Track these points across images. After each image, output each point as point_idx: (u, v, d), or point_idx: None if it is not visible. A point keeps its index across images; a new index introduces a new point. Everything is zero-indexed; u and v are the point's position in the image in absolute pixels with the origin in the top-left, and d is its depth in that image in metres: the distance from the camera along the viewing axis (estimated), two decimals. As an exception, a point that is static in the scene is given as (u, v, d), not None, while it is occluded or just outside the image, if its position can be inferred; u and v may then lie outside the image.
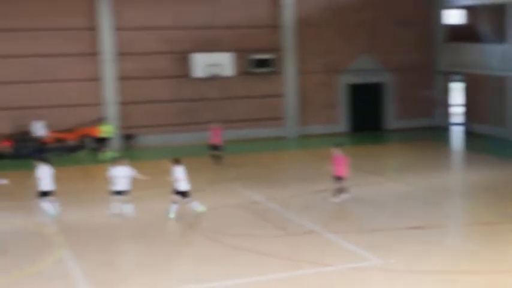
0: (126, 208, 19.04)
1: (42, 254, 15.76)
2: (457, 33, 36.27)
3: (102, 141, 29.73)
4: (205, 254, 15.54)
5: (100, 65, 32.21)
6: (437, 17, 36.94)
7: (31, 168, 19.09)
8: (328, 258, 14.87)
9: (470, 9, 35.87)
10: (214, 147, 27.16)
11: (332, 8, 35.67)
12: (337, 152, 20.17)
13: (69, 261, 15.09)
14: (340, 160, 20.02)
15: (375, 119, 36.91)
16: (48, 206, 19.17)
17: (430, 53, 37.32)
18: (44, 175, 19.17)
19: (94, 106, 31.99)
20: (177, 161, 19.04)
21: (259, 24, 34.75)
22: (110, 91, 32.35)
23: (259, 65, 34.48)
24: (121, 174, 18.99)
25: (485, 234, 16.63)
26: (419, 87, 37.10)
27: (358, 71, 36.18)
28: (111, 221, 18.57)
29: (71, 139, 31.43)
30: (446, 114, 37.33)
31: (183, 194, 18.85)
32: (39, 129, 30.26)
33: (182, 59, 33.40)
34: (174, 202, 18.81)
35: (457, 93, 37.09)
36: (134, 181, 19.26)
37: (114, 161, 19.48)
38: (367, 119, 36.60)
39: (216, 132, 27.22)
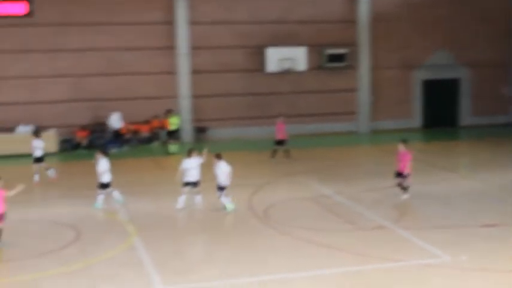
0: (197, 199, 19.27)
1: (114, 241, 16.11)
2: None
3: (170, 134, 30.13)
4: (274, 246, 15.59)
5: (175, 58, 32.67)
6: (517, 12, 36.10)
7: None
8: (397, 253, 14.72)
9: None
10: (279, 142, 27.05)
11: (407, 4, 35.25)
12: (401, 148, 19.87)
13: (140, 249, 15.38)
14: (404, 156, 19.73)
15: (450, 115, 36.34)
16: (101, 198, 19.43)
17: (509, 50, 36.43)
18: (104, 168, 19.41)
19: (168, 99, 32.49)
20: (218, 156, 18.93)
21: (334, 19, 34.61)
22: (184, 84, 32.78)
23: (333, 60, 34.36)
24: (193, 166, 19.10)
25: (561, 234, 16.18)
26: (495, 83, 36.30)
27: (433, 67, 35.65)
28: (181, 211, 18.79)
29: (145, 131, 32.04)
30: (523, 112, 36.49)
31: (221, 188, 18.82)
32: (116, 120, 30.89)
33: (256, 53, 33.57)
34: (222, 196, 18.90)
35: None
36: (202, 173, 19.36)
37: (188, 153, 19.42)
38: (441, 114, 36.06)
39: (280, 126, 27.08)
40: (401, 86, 35.76)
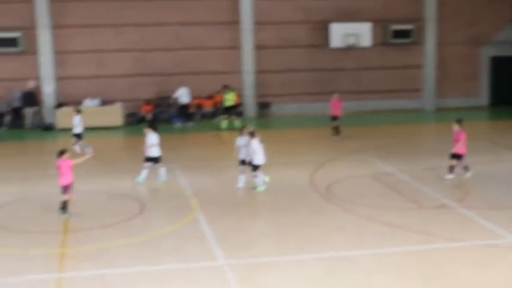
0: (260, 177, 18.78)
1: (177, 215, 16.33)
2: None
3: (226, 110, 30.21)
4: (336, 223, 15.56)
5: (239, 33, 32.72)
6: None
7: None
8: (461, 233, 14.53)
9: None
10: (334, 118, 26.81)
11: (476, -22, 34.47)
12: (456, 128, 19.44)
13: (203, 223, 15.56)
14: (459, 136, 19.31)
15: (518, 94, 35.48)
16: (145, 172, 19.45)
17: None
18: (152, 142, 19.40)
19: (232, 74, 32.61)
20: (252, 134, 18.43)
21: (401, -7, 34.12)
22: (247, 60, 32.83)
23: (398, 36, 33.93)
24: (245, 144, 18.65)
25: None
26: None
27: (502, 43, 34.78)
28: (242, 188, 18.86)
29: (209, 106, 32.27)
30: None
31: (257, 167, 18.42)
32: (184, 95, 31.11)
33: (320, 28, 33.35)
34: (255, 176, 18.54)
35: None
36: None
37: (241, 129, 19.14)
38: (509, 92, 35.19)
39: (335, 103, 26.82)
40: (468, 63, 35.05)
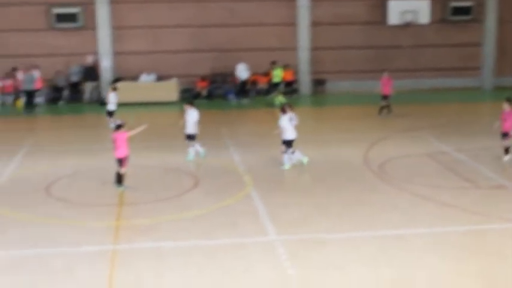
0: (297, 155, 18.55)
1: (231, 190, 16.42)
2: None
3: (274, 86, 30.15)
4: (390, 201, 15.44)
5: (296, 10, 32.54)
6: None
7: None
8: (517, 214, 14.32)
9: None
10: (384, 97, 26.47)
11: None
12: (506, 107, 18.96)
13: (256, 199, 15.63)
14: (509, 115, 18.84)
15: None
16: (192, 150, 19.45)
17: None
18: (191, 119, 19.38)
19: (287, 51, 32.51)
20: (283, 110, 18.15)
21: (461, -30, 33.42)
22: (303, 36, 32.66)
23: (457, 13, 33.33)
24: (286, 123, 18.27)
25: None
26: None
27: None
28: (291, 165, 18.76)
29: (264, 82, 32.26)
30: None
31: (288, 143, 18.20)
32: (242, 71, 31.14)
33: (377, 5, 32.95)
34: (284, 152, 18.30)
35: None
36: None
37: (282, 109, 18.60)
38: None
39: (385, 81, 26.46)
40: (530, 41, 34.28)
